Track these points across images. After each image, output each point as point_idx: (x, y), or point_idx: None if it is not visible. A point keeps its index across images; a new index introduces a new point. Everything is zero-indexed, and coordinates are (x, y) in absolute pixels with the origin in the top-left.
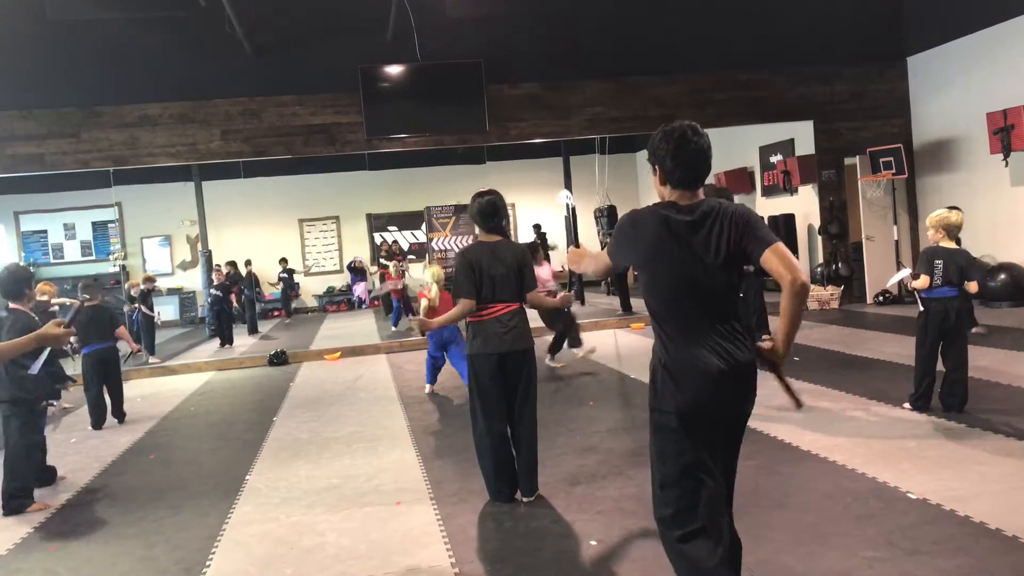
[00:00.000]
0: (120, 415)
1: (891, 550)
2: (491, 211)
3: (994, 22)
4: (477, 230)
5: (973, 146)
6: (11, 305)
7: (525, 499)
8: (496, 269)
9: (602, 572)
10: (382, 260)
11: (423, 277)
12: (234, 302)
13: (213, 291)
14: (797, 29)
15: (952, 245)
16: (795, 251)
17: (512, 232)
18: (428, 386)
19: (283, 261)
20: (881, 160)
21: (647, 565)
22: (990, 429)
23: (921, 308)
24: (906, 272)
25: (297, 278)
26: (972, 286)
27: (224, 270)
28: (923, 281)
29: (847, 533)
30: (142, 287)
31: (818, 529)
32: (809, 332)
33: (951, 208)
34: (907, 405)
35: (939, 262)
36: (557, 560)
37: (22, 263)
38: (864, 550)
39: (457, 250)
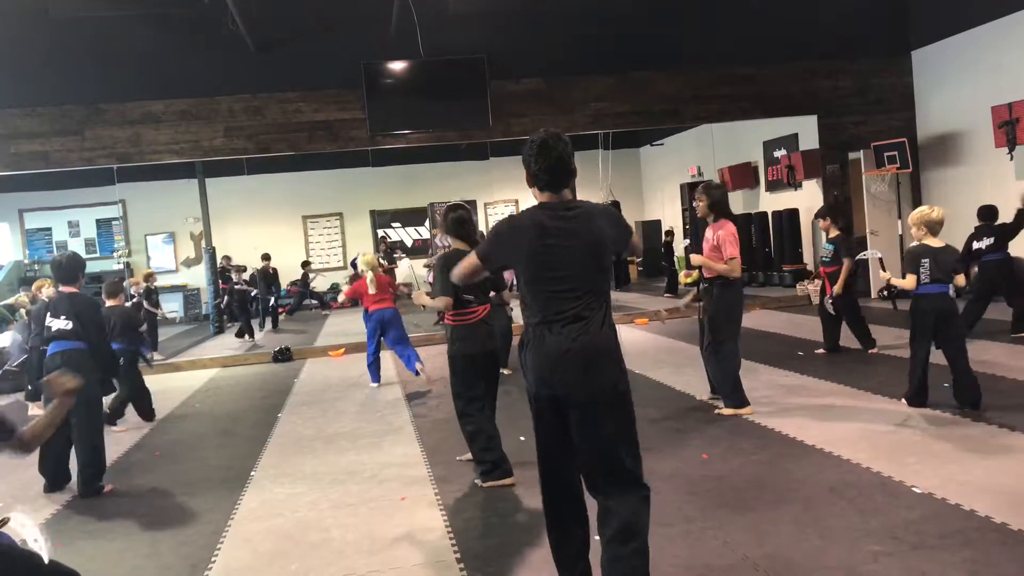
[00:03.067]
0: (119, 416)
1: (896, 544)
2: (464, 221)
3: (999, 15)
4: (449, 240)
5: (978, 140)
6: (65, 289)
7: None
8: None
9: None
10: (381, 260)
11: (361, 266)
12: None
13: (239, 287)
14: (801, 23)
15: (938, 243)
16: (799, 245)
17: None
18: (375, 385)
19: (305, 264)
20: (885, 154)
21: (651, 559)
22: (995, 423)
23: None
24: (875, 255)
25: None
26: (959, 279)
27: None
28: (910, 281)
29: (852, 527)
30: (144, 284)
31: (823, 523)
32: (813, 327)
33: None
34: (903, 400)
35: (925, 260)
36: None
37: (25, 260)
38: (869, 544)
39: (439, 245)
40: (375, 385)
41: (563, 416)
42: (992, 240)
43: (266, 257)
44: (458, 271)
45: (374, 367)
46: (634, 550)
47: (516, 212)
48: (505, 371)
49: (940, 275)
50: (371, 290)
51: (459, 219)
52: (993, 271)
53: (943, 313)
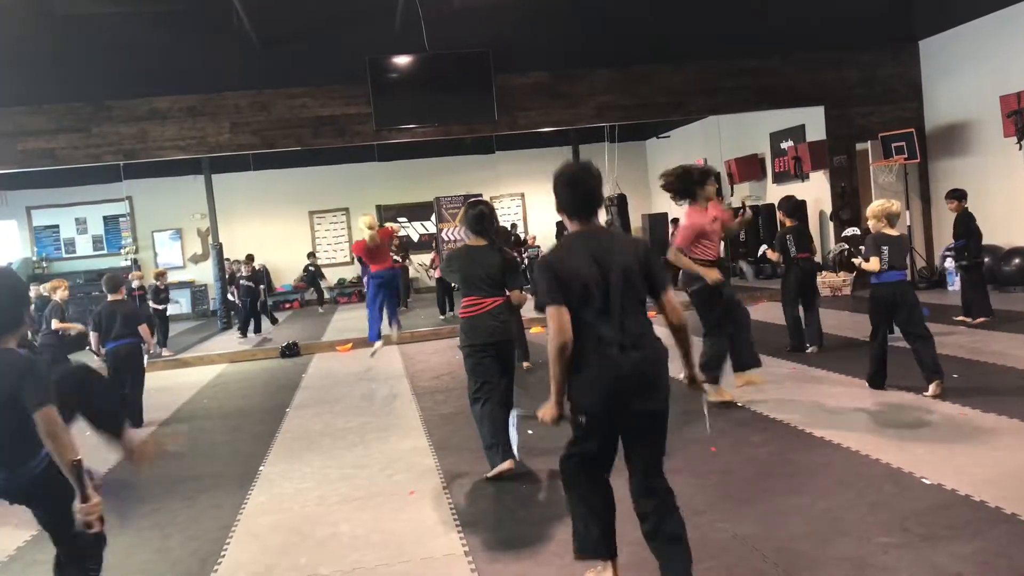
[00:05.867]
0: (137, 419)
1: (905, 536)
2: (483, 217)
3: (1007, 3)
4: (471, 235)
5: (986, 129)
6: None
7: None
8: (483, 269)
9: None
10: (392, 254)
11: (360, 224)
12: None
13: (245, 282)
14: (807, 14)
15: (895, 232)
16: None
17: (523, 222)
18: (378, 343)
19: (311, 255)
20: (893, 145)
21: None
22: (1005, 414)
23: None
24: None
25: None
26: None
27: (251, 263)
28: (875, 263)
29: (861, 519)
30: (154, 282)
31: (832, 515)
32: (822, 319)
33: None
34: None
35: (885, 248)
36: (569, 548)
37: (34, 257)
38: (878, 536)
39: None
40: (376, 344)
41: (617, 429)
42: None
43: (249, 258)
44: (553, 330)
45: (375, 323)
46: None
47: (523, 208)
48: (524, 366)
49: (896, 262)
50: (369, 243)
51: (478, 215)
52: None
53: (901, 298)
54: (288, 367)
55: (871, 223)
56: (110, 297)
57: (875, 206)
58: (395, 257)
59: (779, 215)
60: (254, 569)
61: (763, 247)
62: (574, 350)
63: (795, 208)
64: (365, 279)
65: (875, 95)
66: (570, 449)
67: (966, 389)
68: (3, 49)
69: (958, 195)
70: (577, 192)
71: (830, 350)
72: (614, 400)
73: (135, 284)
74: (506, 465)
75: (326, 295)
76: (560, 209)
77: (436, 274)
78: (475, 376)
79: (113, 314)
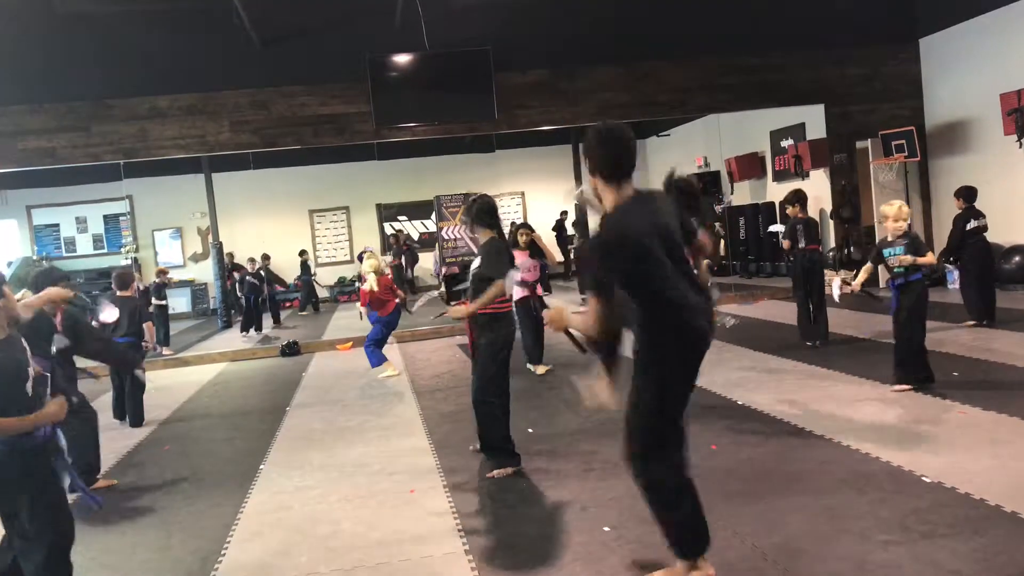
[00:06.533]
0: (138, 418)
1: (906, 533)
2: (493, 210)
3: (1007, 1)
4: (478, 232)
5: (986, 127)
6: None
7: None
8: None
9: (615, 558)
10: (391, 258)
11: (364, 268)
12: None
13: (250, 278)
14: (808, 12)
15: None
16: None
17: (524, 220)
18: (388, 365)
19: (302, 253)
20: (893, 143)
21: (661, 551)
22: (1005, 412)
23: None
24: (837, 282)
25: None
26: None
27: (255, 263)
28: (931, 258)
29: (861, 517)
30: (156, 280)
31: (832, 513)
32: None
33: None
34: (900, 386)
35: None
36: (570, 546)
37: (34, 256)
38: (879, 534)
39: (467, 239)
40: (376, 369)
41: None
42: (985, 220)
43: (265, 257)
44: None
45: (377, 353)
46: None
47: (523, 207)
48: (539, 370)
49: None
50: (373, 287)
51: (490, 208)
52: (987, 250)
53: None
54: (288, 366)
55: (899, 224)
56: (119, 293)
57: (901, 207)
58: (392, 259)
59: (789, 209)
60: (255, 567)
61: (772, 226)
62: (648, 322)
63: (804, 200)
64: (372, 320)
65: (875, 93)
66: (652, 450)
67: (966, 387)
68: (3, 49)
69: (958, 194)
70: (615, 151)
71: (831, 347)
72: (697, 362)
73: (138, 286)
74: (519, 466)
75: (325, 294)
76: (596, 172)
77: (443, 271)
78: (496, 376)
79: (120, 310)
